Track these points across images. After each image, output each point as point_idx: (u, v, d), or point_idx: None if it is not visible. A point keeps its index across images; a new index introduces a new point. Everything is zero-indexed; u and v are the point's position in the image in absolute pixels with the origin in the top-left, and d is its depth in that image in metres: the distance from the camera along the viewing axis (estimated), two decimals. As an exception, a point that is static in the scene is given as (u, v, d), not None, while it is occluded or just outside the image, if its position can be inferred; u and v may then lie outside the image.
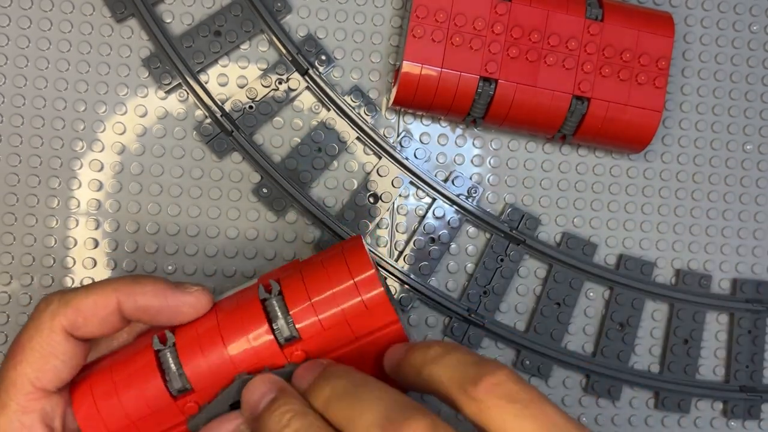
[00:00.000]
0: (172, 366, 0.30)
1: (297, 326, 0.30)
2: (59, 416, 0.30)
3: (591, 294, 0.47)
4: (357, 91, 0.45)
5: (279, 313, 0.30)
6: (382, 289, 0.30)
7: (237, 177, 0.45)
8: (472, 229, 0.46)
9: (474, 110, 0.42)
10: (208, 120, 0.44)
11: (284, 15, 0.45)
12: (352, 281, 0.30)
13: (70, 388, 0.31)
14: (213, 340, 0.30)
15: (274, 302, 0.30)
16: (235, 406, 0.30)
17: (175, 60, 0.43)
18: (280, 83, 0.44)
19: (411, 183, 0.45)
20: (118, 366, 0.31)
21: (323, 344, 0.30)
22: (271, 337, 0.30)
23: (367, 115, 0.45)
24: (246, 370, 0.30)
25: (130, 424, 0.30)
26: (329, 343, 0.30)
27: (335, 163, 0.45)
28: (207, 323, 0.31)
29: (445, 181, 0.46)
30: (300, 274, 0.31)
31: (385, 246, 0.46)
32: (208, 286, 0.39)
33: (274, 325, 0.30)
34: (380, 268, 0.45)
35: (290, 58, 0.44)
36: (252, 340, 0.30)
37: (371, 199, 0.45)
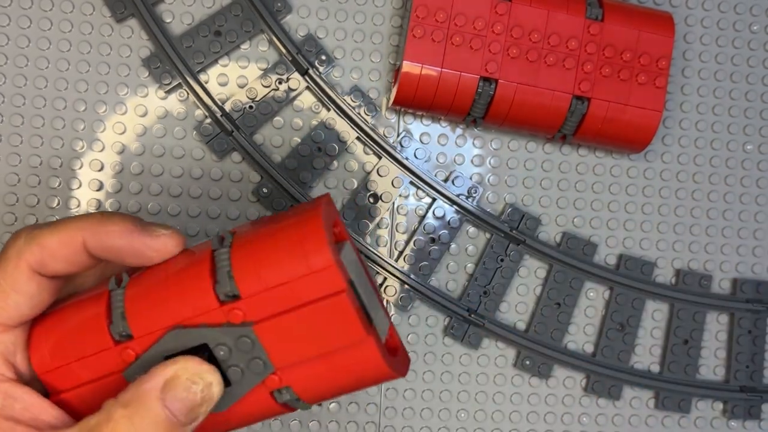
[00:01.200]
0: (118, 308, 0.29)
1: (238, 282, 0.27)
2: (21, 351, 0.30)
3: (591, 294, 0.47)
4: (357, 91, 0.45)
5: (224, 266, 0.28)
6: (328, 252, 0.27)
7: (237, 177, 0.45)
8: (472, 229, 0.46)
9: (474, 110, 0.42)
10: (208, 120, 0.44)
11: (284, 15, 0.45)
12: (299, 241, 0.28)
13: (31, 324, 0.30)
14: (158, 286, 0.29)
15: (222, 253, 0.28)
16: (170, 357, 0.28)
17: (175, 60, 0.43)
18: (280, 83, 0.44)
19: (411, 183, 0.45)
20: (75, 305, 0.30)
21: (264, 307, 0.28)
22: (212, 290, 0.28)
23: (367, 115, 0.45)
24: (183, 323, 0.28)
25: (72, 362, 0.29)
26: (271, 306, 0.28)
27: (335, 163, 0.45)
28: (159, 268, 0.29)
29: (445, 181, 0.46)
30: (255, 228, 0.29)
31: (385, 246, 0.46)
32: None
33: (216, 278, 0.28)
34: (380, 268, 0.45)
35: (290, 58, 0.44)
36: (192, 291, 0.28)
37: (371, 199, 0.45)
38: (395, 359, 0.31)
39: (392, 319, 0.46)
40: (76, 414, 0.30)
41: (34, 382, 0.30)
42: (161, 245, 0.29)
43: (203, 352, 0.28)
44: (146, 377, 0.27)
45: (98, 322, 0.29)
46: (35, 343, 0.30)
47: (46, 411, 0.29)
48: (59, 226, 0.29)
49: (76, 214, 0.44)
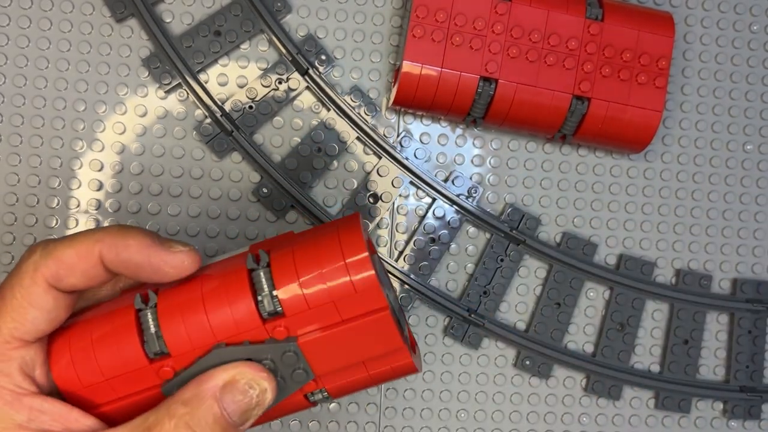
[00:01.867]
0: (152, 328, 0.29)
1: (282, 301, 0.29)
2: (39, 365, 0.30)
3: (591, 294, 0.47)
4: (357, 91, 0.45)
5: (265, 286, 0.29)
6: (372, 272, 0.29)
7: (237, 177, 0.45)
8: (472, 229, 0.46)
9: (474, 110, 0.42)
10: (208, 120, 0.44)
11: (284, 15, 0.45)
12: (342, 261, 0.29)
13: (49, 340, 0.30)
14: (195, 305, 0.29)
15: (261, 274, 0.29)
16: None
17: (175, 60, 0.43)
18: (280, 83, 0.44)
19: (411, 183, 0.45)
20: (97, 321, 0.30)
21: (307, 323, 0.29)
22: (254, 309, 0.29)
23: (367, 115, 0.45)
24: (225, 341, 0.29)
25: (104, 381, 0.29)
26: (313, 322, 0.29)
27: (335, 163, 0.45)
28: (191, 286, 0.30)
29: (445, 181, 0.46)
30: (291, 247, 0.30)
31: (385, 246, 0.45)
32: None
33: (258, 297, 0.29)
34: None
35: (290, 58, 0.44)
36: (234, 311, 0.29)
37: (371, 199, 0.45)
38: (416, 356, 0.33)
39: (392, 319, 0.46)
40: (110, 422, 0.30)
41: (55, 394, 0.30)
42: (179, 262, 0.29)
43: None
44: (205, 377, 0.28)
45: (129, 339, 0.29)
46: (57, 362, 0.30)
47: (77, 420, 0.29)
48: (76, 239, 0.29)
49: (76, 212, 0.44)
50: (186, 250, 0.30)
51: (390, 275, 0.45)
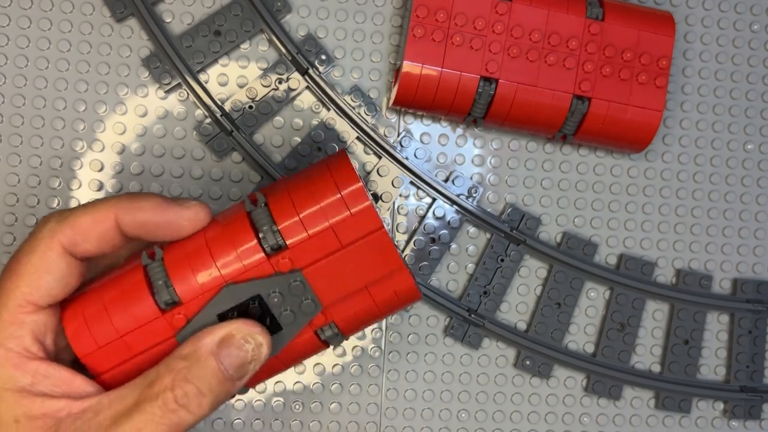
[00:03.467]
0: (160, 279, 0.30)
1: (282, 234, 0.30)
2: (51, 332, 0.31)
3: (592, 294, 0.47)
4: (357, 91, 0.45)
5: (265, 222, 0.30)
6: (369, 202, 0.30)
7: (237, 177, 0.45)
8: (472, 229, 0.46)
9: (474, 110, 0.42)
10: (208, 120, 0.44)
11: (284, 14, 0.45)
12: (339, 195, 0.30)
13: (62, 305, 0.31)
14: (200, 251, 0.30)
15: (260, 212, 0.31)
16: (223, 316, 0.30)
17: (175, 60, 0.43)
18: (280, 83, 0.44)
19: (411, 183, 0.45)
20: (108, 283, 0.31)
21: (310, 253, 0.30)
22: (258, 245, 0.30)
23: (368, 115, 0.45)
24: (233, 280, 0.30)
25: (119, 339, 0.30)
26: (316, 251, 0.30)
27: (335, 162, 0.45)
28: (195, 237, 0.31)
29: (446, 181, 0.46)
30: (286, 188, 0.31)
31: (385, 246, 0.45)
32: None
33: (260, 234, 0.30)
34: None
35: (290, 58, 0.44)
36: (239, 250, 0.30)
37: (371, 199, 0.45)
38: (416, 281, 0.34)
39: (392, 320, 0.46)
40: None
41: (62, 361, 0.31)
42: (193, 214, 0.31)
43: (255, 302, 0.31)
44: (202, 334, 0.30)
45: (140, 294, 0.30)
46: (72, 326, 0.31)
47: (79, 386, 0.30)
48: (91, 206, 0.31)
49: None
50: (198, 204, 0.31)
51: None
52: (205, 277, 0.30)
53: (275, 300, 0.31)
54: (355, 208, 0.30)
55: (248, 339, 0.30)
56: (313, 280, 0.31)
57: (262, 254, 0.30)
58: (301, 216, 0.30)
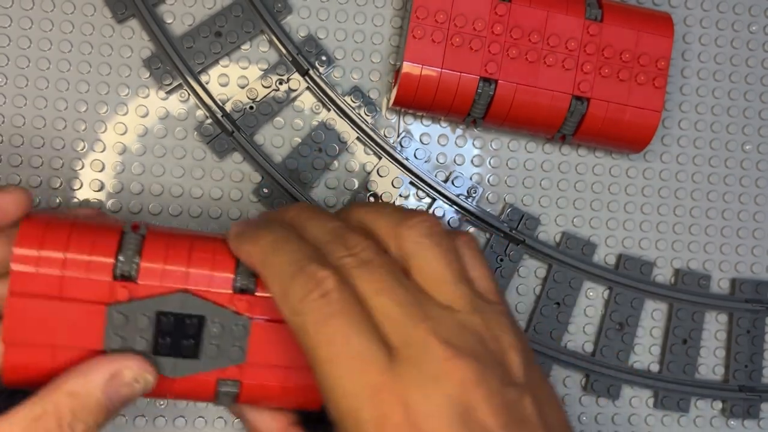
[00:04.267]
0: (131, 249, 0.31)
1: (258, 283, 0.32)
2: None
3: (590, 294, 0.47)
4: (357, 92, 0.45)
5: (245, 269, 0.31)
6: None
7: (238, 177, 0.45)
8: (471, 229, 0.46)
9: (474, 111, 0.43)
10: (209, 120, 0.44)
11: (285, 15, 0.45)
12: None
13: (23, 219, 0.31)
14: (181, 249, 0.31)
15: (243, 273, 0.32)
16: (160, 315, 0.30)
17: (176, 60, 0.43)
18: (280, 84, 0.45)
19: (411, 183, 0.45)
20: (82, 224, 0.31)
21: (268, 310, 0.31)
22: (232, 278, 0.31)
23: (368, 115, 0.45)
24: (192, 291, 0.31)
25: (61, 272, 0.30)
26: (274, 312, 0.31)
27: (336, 163, 0.45)
28: (183, 234, 0.32)
29: (445, 181, 0.46)
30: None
31: (385, 246, 0.46)
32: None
33: (238, 272, 0.31)
34: None
35: (290, 59, 0.44)
36: (215, 272, 0.31)
37: (371, 199, 0.45)
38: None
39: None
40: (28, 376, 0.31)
41: None
42: (14, 198, 0.31)
43: (194, 320, 0.31)
44: (90, 368, 0.30)
45: (106, 250, 0.30)
46: (28, 230, 0.30)
47: None
48: None
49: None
50: (16, 188, 0.32)
51: (390, 275, 0.45)
52: (172, 272, 0.31)
53: (213, 330, 0.31)
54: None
55: (138, 379, 0.30)
56: (256, 334, 0.31)
57: (231, 287, 0.31)
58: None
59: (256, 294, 0.31)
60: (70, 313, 0.30)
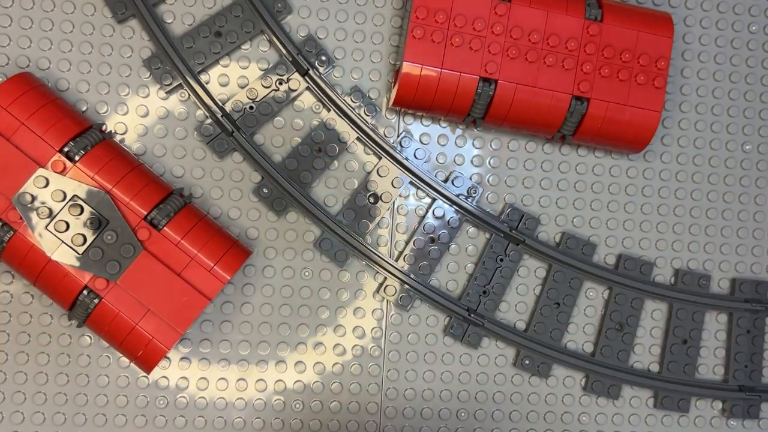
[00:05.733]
0: (87, 142, 0.38)
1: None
2: None
3: (590, 294, 0.47)
4: (357, 92, 0.45)
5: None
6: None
7: (238, 177, 0.45)
8: (471, 229, 0.46)
9: (474, 111, 0.43)
10: (209, 120, 0.44)
11: (285, 15, 0.45)
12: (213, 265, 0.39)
13: None
14: (126, 163, 0.39)
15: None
16: (75, 200, 0.36)
17: (176, 60, 0.43)
18: (280, 84, 0.45)
19: (411, 183, 0.45)
20: (59, 103, 0.40)
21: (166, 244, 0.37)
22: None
23: (368, 115, 0.45)
24: (115, 195, 0.38)
25: (24, 124, 0.36)
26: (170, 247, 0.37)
27: (335, 163, 0.45)
28: (132, 160, 0.41)
29: (445, 181, 0.46)
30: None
31: (385, 246, 0.46)
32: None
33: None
34: (381, 268, 0.45)
35: (290, 59, 0.44)
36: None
37: (371, 199, 0.45)
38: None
39: (392, 319, 0.46)
40: None
41: None
42: None
43: (98, 217, 0.37)
44: None
45: (69, 131, 0.38)
46: None
47: None
48: None
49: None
50: None
51: (390, 275, 0.45)
52: (106, 174, 0.36)
53: (107, 237, 0.36)
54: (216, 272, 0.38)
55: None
56: (139, 263, 0.36)
57: (143, 217, 0.37)
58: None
59: (161, 232, 0.36)
60: (9, 157, 0.35)
